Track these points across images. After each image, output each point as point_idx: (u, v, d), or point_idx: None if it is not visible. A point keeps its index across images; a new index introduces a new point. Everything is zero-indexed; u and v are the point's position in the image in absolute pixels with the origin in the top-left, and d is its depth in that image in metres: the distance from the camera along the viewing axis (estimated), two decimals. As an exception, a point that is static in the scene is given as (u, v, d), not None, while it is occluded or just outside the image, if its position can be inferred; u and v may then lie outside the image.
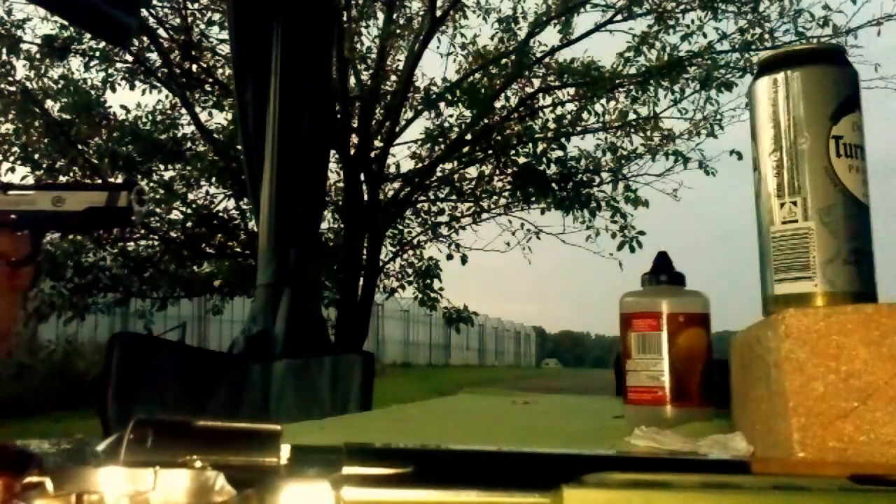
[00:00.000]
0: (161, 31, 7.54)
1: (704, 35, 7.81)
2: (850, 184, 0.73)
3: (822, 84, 0.76)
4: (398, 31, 8.33)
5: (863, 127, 0.76)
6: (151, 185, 7.91)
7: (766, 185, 0.77)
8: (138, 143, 7.67)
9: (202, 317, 14.15)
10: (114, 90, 7.63)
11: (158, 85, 7.71)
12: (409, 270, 8.60)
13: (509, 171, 8.39)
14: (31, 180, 7.42)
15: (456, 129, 8.43)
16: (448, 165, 8.58)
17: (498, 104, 8.38)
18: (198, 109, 7.78)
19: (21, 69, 7.46)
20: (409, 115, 8.30)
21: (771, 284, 0.76)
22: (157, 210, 7.93)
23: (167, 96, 7.89)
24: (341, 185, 7.84)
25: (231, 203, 8.02)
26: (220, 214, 8.05)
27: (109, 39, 5.14)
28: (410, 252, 8.66)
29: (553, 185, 8.12)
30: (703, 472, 0.57)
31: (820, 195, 0.73)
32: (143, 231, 7.78)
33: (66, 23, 6.80)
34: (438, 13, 7.73)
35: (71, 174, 7.50)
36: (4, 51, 7.17)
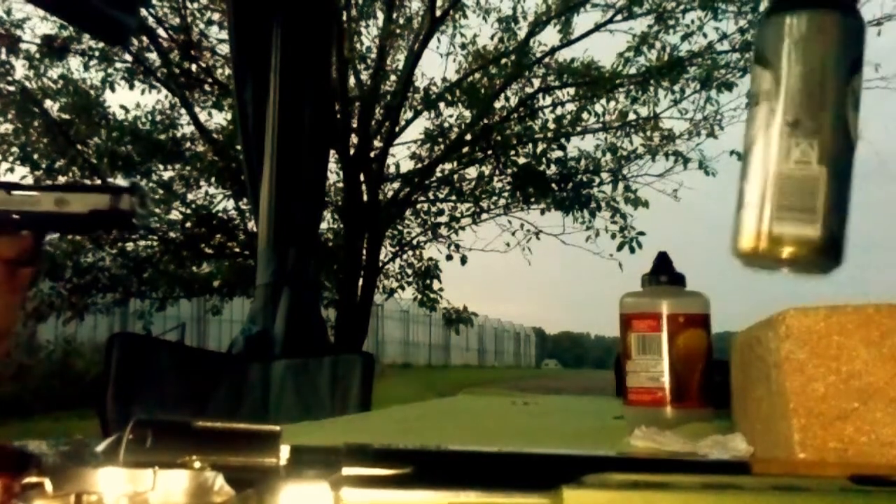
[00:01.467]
0: (160, 31, 7.54)
1: (704, 35, 7.83)
2: (854, 139, 0.74)
3: (850, 34, 0.76)
4: (398, 30, 8.33)
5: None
6: (151, 185, 7.91)
7: (776, 120, 0.76)
8: (137, 143, 7.68)
9: (201, 317, 14.15)
10: (113, 90, 7.63)
11: (158, 85, 7.71)
12: (409, 271, 8.61)
13: (509, 171, 8.39)
14: (30, 180, 7.43)
15: (455, 129, 8.43)
16: (448, 166, 8.58)
17: (498, 104, 8.39)
18: (197, 109, 7.79)
19: (20, 69, 7.46)
20: (409, 115, 8.31)
21: (769, 221, 0.75)
22: (157, 210, 7.93)
23: (166, 96, 7.90)
24: (341, 185, 7.84)
25: (230, 203, 8.02)
26: (220, 214, 8.05)
27: (108, 39, 5.14)
28: (410, 252, 8.67)
29: (553, 185, 8.12)
30: (703, 472, 0.57)
31: (835, 144, 0.73)
32: (142, 231, 7.79)
33: (65, 22, 6.79)
34: (438, 13, 7.74)
35: (70, 174, 7.50)
36: (4, 50, 7.17)
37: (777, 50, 0.79)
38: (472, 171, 8.63)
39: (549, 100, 8.43)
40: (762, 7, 7.61)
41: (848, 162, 0.73)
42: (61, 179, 7.49)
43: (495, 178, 8.58)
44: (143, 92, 7.74)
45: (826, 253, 0.71)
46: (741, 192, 0.78)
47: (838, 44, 0.76)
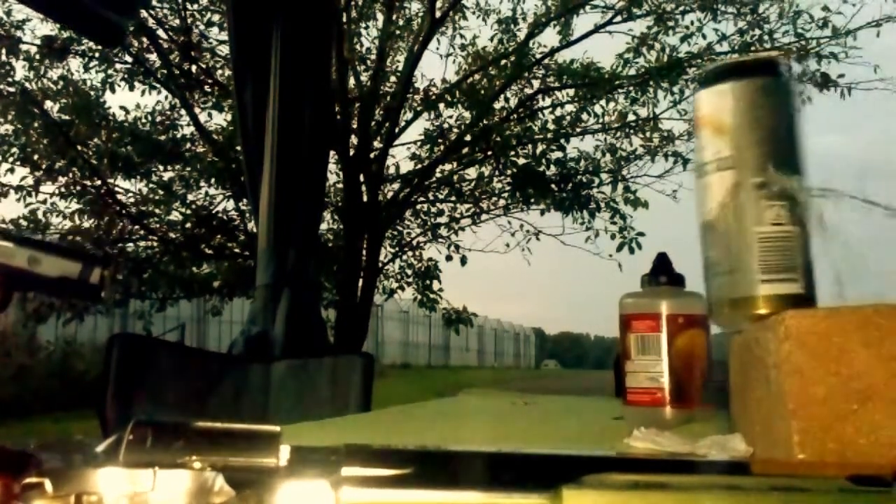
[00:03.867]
0: (160, 32, 7.54)
1: (704, 36, 7.83)
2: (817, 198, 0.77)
3: (792, 95, 0.80)
4: (398, 31, 8.33)
5: None
6: (151, 185, 7.91)
7: (744, 185, 0.78)
8: (137, 144, 7.67)
9: (201, 318, 14.15)
10: (113, 91, 7.63)
11: (158, 86, 7.70)
12: (409, 271, 8.60)
13: (509, 172, 8.39)
14: (30, 181, 7.44)
15: (455, 130, 8.43)
16: (447, 166, 8.58)
17: (497, 105, 8.39)
18: (197, 110, 7.78)
19: (20, 70, 7.46)
20: (409, 115, 8.31)
21: (755, 284, 0.77)
22: (157, 211, 7.93)
23: (166, 97, 7.89)
24: (341, 185, 7.84)
25: (230, 204, 8.02)
26: (220, 215, 8.05)
27: (102, 41, 5.13)
28: (410, 253, 8.66)
29: (552, 186, 8.12)
30: (702, 473, 0.57)
31: (802, 201, 0.75)
32: (142, 232, 7.78)
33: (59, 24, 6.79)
34: (438, 14, 7.74)
35: (70, 175, 7.50)
36: (4, 51, 7.17)
37: (730, 117, 0.80)
38: (471, 172, 8.64)
39: (548, 101, 8.44)
40: (760, 10, 7.63)
41: (811, 217, 0.76)
42: (62, 180, 7.49)
43: (495, 179, 8.58)
44: (143, 93, 7.74)
45: (807, 305, 0.74)
46: (712, 260, 0.80)
47: (786, 105, 0.78)
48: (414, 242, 8.67)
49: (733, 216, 0.78)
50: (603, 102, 8.28)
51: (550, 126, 8.41)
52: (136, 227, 7.74)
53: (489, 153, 8.42)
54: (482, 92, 8.25)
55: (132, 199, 7.88)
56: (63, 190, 7.50)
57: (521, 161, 8.37)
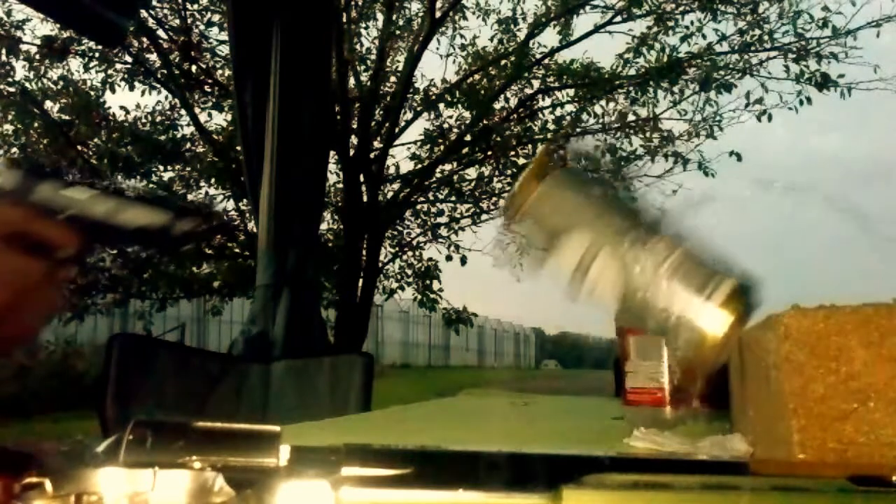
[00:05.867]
0: (160, 32, 7.54)
1: (704, 36, 7.82)
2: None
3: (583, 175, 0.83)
4: (397, 32, 8.32)
5: None
6: (151, 185, 7.91)
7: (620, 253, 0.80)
8: (138, 144, 7.67)
9: (201, 318, 14.14)
10: (113, 91, 7.63)
11: (158, 86, 7.70)
12: (409, 271, 8.60)
13: (509, 172, 8.39)
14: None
15: (455, 130, 8.43)
16: (447, 166, 8.58)
17: (497, 105, 8.38)
18: (197, 110, 7.78)
19: (20, 70, 7.46)
20: (409, 116, 8.30)
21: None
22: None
23: (167, 97, 7.89)
24: (341, 186, 7.84)
25: (230, 204, 8.01)
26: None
27: (102, 41, 5.13)
28: (410, 253, 8.66)
29: (552, 186, 8.10)
30: (702, 473, 0.57)
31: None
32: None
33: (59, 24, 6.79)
34: (438, 14, 7.73)
35: (70, 175, 7.49)
36: (4, 51, 7.17)
37: (559, 219, 0.80)
38: (471, 172, 8.64)
39: (548, 101, 8.44)
40: (760, 10, 7.62)
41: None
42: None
43: (495, 179, 8.58)
44: (143, 93, 7.74)
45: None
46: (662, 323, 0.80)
47: (586, 182, 0.81)
48: (414, 242, 8.67)
49: (634, 282, 0.79)
50: (603, 102, 8.28)
51: (550, 126, 8.41)
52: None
53: (489, 153, 8.42)
54: (482, 92, 8.24)
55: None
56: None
57: (521, 161, 8.36)
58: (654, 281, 0.74)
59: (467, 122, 8.32)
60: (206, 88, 7.89)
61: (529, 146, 8.37)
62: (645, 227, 0.74)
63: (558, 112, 8.41)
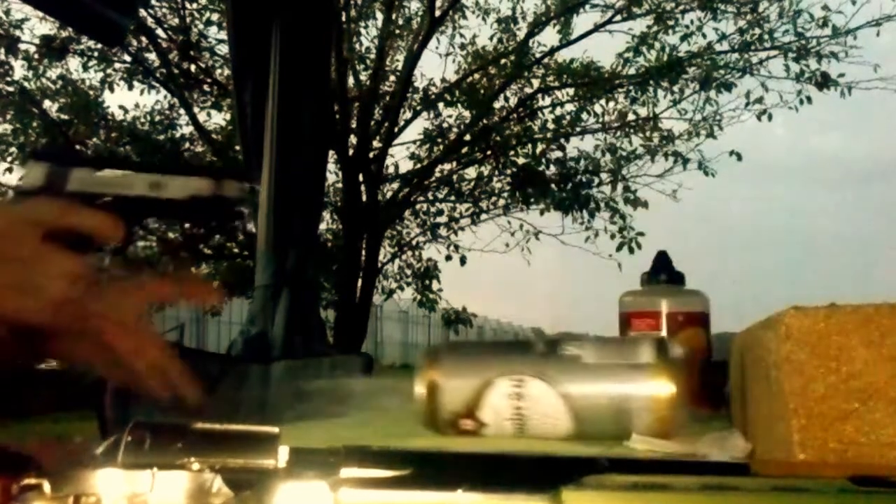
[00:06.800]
0: (159, 31, 7.54)
1: (704, 35, 7.82)
2: None
3: None
4: (397, 31, 8.32)
5: None
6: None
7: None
8: (136, 144, 7.67)
9: (200, 318, 14.13)
10: (112, 90, 7.63)
11: (157, 85, 7.70)
12: (408, 271, 8.60)
13: (508, 171, 8.39)
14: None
15: (455, 129, 8.43)
16: (447, 166, 8.58)
17: (497, 105, 8.38)
18: (196, 110, 7.78)
19: (19, 69, 7.46)
20: (408, 115, 8.30)
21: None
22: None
23: (165, 96, 7.89)
24: (340, 185, 7.84)
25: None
26: (219, 215, 8.04)
27: (103, 40, 5.12)
28: (409, 253, 8.66)
29: (552, 185, 8.11)
30: (702, 474, 0.57)
31: None
32: (141, 232, 7.77)
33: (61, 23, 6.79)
34: (437, 13, 7.73)
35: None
36: (3, 51, 7.17)
37: None
38: (471, 172, 8.63)
39: (548, 100, 8.43)
40: (760, 9, 7.63)
41: None
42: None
43: (494, 179, 8.58)
44: (142, 92, 7.74)
45: None
46: None
47: None
48: (413, 242, 8.67)
49: None
50: (603, 102, 8.28)
51: (550, 125, 8.41)
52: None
53: (489, 153, 8.41)
54: (482, 91, 8.24)
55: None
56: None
57: (521, 161, 8.36)
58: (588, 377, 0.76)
59: (467, 121, 8.32)
60: (205, 88, 7.89)
61: (529, 146, 8.37)
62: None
63: (558, 111, 8.41)
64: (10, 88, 7.33)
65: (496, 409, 0.78)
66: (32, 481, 0.48)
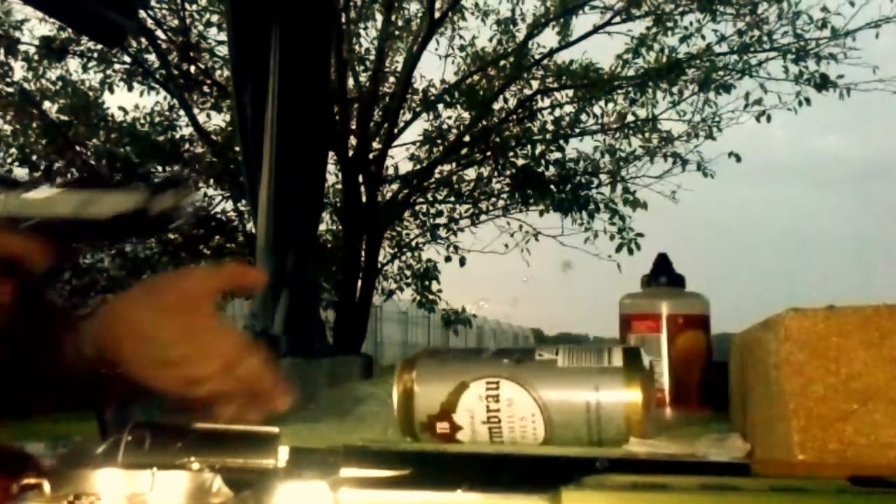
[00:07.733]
0: (159, 33, 7.54)
1: (703, 37, 7.83)
2: None
3: None
4: (396, 32, 8.32)
5: None
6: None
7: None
8: (136, 145, 7.66)
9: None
10: (112, 91, 7.62)
11: (156, 86, 7.70)
12: (408, 272, 8.59)
13: (508, 172, 8.38)
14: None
15: (454, 130, 8.42)
16: (446, 167, 8.57)
17: (496, 106, 8.38)
18: (196, 111, 7.77)
19: (19, 70, 7.45)
20: (408, 116, 8.30)
21: None
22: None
23: (165, 98, 7.89)
24: (340, 186, 7.83)
25: (229, 204, 8.01)
26: (219, 216, 8.04)
27: (104, 41, 5.12)
28: (409, 254, 8.65)
29: (551, 186, 8.11)
30: (701, 474, 0.57)
31: None
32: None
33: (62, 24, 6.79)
34: (437, 15, 7.73)
35: (69, 176, 7.50)
36: (3, 52, 7.17)
37: None
38: (470, 173, 8.63)
39: (547, 101, 8.43)
40: (759, 11, 7.63)
41: None
42: (59, 181, 7.47)
43: (494, 180, 8.57)
44: (141, 93, 7.74)
45: None
46: None
47: None
48: (413, 243, 8.66)
49: None
50: (602, 103, 8.28)
51: (549, 127, 8.41)
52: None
53: (488, 154, 8.41)
54: (481, 92, 8.24)
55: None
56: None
57: (520, 162, 8.36)
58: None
59: (466, 122, 8.32)
60: (205, 89, 7.89)
61: (528, 147, 8.37)
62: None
63: (557, 113, 8.41)
64: (10, 89, 7.33)
65: (471, 411, 0.79)
66: (32, 481, 0.47)
